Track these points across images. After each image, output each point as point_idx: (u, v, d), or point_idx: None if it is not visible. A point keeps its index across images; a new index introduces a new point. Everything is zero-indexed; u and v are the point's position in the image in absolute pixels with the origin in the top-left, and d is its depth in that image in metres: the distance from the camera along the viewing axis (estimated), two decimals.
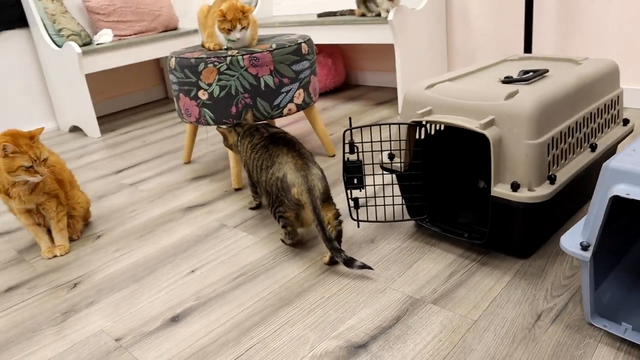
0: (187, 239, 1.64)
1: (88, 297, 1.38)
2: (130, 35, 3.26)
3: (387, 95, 3.15)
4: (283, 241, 1.52)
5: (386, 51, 3.34)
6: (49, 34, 3.01)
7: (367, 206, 1.65)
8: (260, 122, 1.73)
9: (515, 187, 1.18)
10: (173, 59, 1.97)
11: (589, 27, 2.41)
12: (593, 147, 1.36)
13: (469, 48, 2.89)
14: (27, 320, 1.31)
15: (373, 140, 1.47)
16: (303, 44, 1.99)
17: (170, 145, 2.69)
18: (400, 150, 1.40)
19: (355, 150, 1.33)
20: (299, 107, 2.02)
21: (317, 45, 3.35)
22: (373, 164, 1.35)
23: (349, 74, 3.59)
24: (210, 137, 2.71)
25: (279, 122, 2.80)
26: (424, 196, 1.41)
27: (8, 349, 1.21)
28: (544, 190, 1.17)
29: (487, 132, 1.18)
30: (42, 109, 3.33)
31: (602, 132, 1.44)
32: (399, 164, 1.41)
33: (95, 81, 3.54)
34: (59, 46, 2.99)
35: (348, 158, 1.37)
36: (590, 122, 1.37)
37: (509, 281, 1.24)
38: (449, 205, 1.57)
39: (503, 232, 1.30)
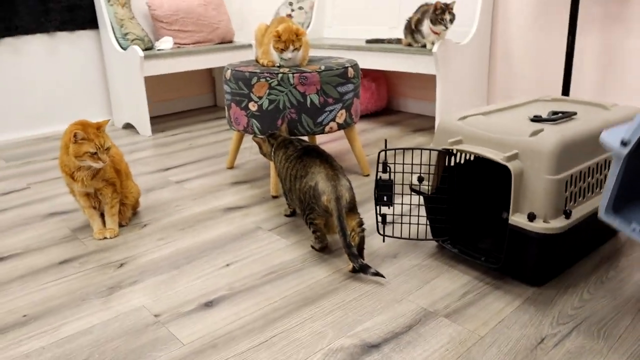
0: (224, 236, 1.78)
1: (132, 277, 1.53)
2: (189, 44, 3.48)
3: (426, 123, 3.26)
4: (313, 247, 1.65)
5: (428, 81, 3.45)
6: (115, 37, 3.25)
7: (393, 223, 1.76)
8: (293, 137, 1.87)
9: (531, 217, 1.27)
10: (229, 71, 2.13)
11: (627, 77, 2.47)
12: None
13: (509, 86, 2.98)
14: (78, 290, 1.47)
15: (405, 162, 1.57)
16: (349, 68, 2.12)
17: (214, 150, 2.86)
18: (429, 174, 1.51)
19: (388, 170, 1.45)
20: (340, 126, 2.15)
21: (363, 70, 3.49)
22: (403, 184, 1.46)
23: (390, 99, 3.72)
24: (254, 146, 2.87)
25: (319, 139, 2.94)
26: (448, 219, 1.52)
27: (60, 312, 1.37)
28: (559, 223, 1.26)
29: (510, 164, 1.28)
30: (100, 104, 3.58)
31: None
32: (427, 187, 1.52)
33: (152, 83, 3.77)
34: (124, 49, 3.23)
35: (380, 177, 1.49)
36: None
37: (519, 306, 1.33)
38: (472, 230, 1.67)
39: (518, 260, 1.39)
